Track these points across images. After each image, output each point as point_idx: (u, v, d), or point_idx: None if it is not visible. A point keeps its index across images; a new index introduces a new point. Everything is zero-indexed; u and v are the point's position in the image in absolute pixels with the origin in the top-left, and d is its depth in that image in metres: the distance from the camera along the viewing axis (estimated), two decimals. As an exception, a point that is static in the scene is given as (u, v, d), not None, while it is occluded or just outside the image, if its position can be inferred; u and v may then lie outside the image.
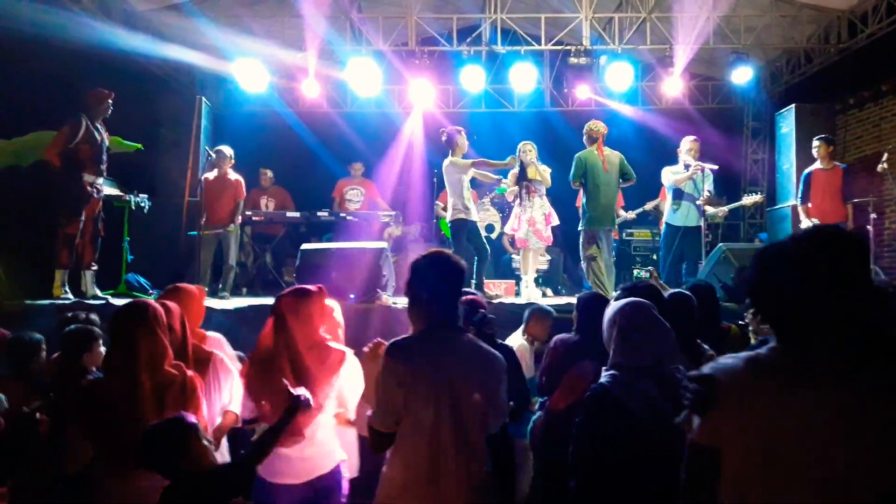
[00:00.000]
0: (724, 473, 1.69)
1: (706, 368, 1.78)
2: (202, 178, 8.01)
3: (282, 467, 3.08)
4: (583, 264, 7.51)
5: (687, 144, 7.98)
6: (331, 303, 3.49)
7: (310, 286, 3.26)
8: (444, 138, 7.55)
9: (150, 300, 2.97)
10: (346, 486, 3.22)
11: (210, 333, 3.67)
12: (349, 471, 3.30)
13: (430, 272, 2.65)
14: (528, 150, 7.72)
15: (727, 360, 1.76)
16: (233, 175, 8.10)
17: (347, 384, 3.17)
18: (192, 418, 2.54)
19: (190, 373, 2.88)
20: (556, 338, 4.00)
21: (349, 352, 3.23)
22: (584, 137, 7.57)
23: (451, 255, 2.75)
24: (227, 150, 8.09)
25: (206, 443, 2.51)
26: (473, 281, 7.11)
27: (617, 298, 3.29)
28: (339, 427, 3.25)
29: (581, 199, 9.37)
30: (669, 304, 3.40)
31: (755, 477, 1.63)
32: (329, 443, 3.17)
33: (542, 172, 7.74)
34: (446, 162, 7.46)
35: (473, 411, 2.52)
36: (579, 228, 7.54)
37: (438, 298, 2.63)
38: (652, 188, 9.28)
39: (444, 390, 2.49)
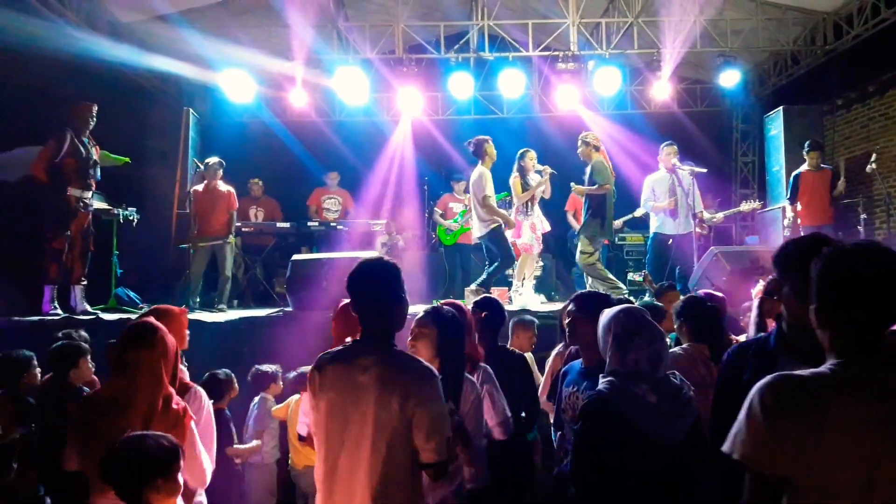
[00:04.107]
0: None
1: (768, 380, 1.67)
2: (191, 190, 7.95)
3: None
4: (586, 270, 7.46)
5: (662, 151, 8.01)
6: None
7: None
8: (471, 148, 7.49)
9: (156, 322, 2.91)
10: None
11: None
12: None
13: (353, 282, 2.56)
14: (533, 158, 7.76)
15: (795, 375, 1.65)
16: (223, 186, 8.03)
17: None
18: (175, 442, 2.43)
19: (182, 404, 2.83)
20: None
21: None
22: (587, 147, 7.50)
23: (377, 261, 2.64)
24: (217, 162, 8.01)
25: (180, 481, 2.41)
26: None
27: (570, 304, 3.39)
28: None
29: (575, 204, 9.39)
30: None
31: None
32: None
33: (546, 180, 7.80)
34: (473, 173, 7.41)
35: (375, 435, 2.36)
36: (588, 235, 7.42)
37: (361, 309, 2.56)
38: (640, 194, 9.26)
39: (341, 410, 2.42)
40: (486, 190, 7.28)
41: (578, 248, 7.53)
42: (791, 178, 8.19)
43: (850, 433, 1.53)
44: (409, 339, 3.10)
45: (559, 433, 3.46)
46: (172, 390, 2.83)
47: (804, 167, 8.10)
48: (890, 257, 1.64)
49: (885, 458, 1.51)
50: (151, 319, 2.93)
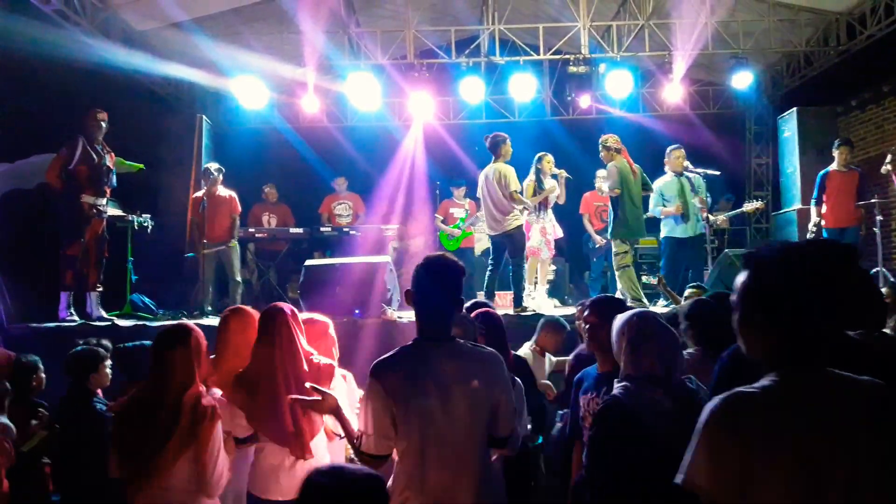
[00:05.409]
0: None
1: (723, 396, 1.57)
2: (193, 196, 7.95)
3: (271, 484, 3.03)
4: (619, 273, 7.49)
5: (671, 155, 7.97)
6: (325, 319, 3.44)
7: (281, 304, 3.20)
8: (487, 143, 7.48)
9: (190, 324, 2.96)
10: None
11: None
12: None
13: (421, 279, 2.55)
14: (551, 162, 7.79)
15: (743, 393, 1.54)
16: (224, 191, 7.99)
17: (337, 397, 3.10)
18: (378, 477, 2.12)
19: (211, 403, 2.86)
20: (579, 348, 4.00)
21: (335, 364, 3.20)
22: (608, 151, 7.51)
23: (445, 258, 2.59)
24: (215, 168, 7.98)
25: None
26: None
27: (586, 310, 3.42)
28: (331, 444, 3.19)
29: (589, 208, 9.40)
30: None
31: None
32: (320, 460, 3.07)
33: (561, 185, 7.81)
34: (495, 170, 7.35)
35: (466, 425, 2.42)
36: (611, 238, 7.49)
37: (428, 306, 2.54)
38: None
39: (428, 408, 2.40)
40: (514, 185, 7.28)
41: (613, 251, 7.54)
42: (818, 178, 8.07)
43: (790, 455, 1.46)
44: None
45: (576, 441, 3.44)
46: (203, 388, 2.89)
47: (833, 166, 7.98)
48: (812, 259, 1.57)
49: (828, 478, 1.45)
50: (185, 321, 2.97)
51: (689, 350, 3.49)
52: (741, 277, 1.65)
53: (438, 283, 2.52)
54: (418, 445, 2.42)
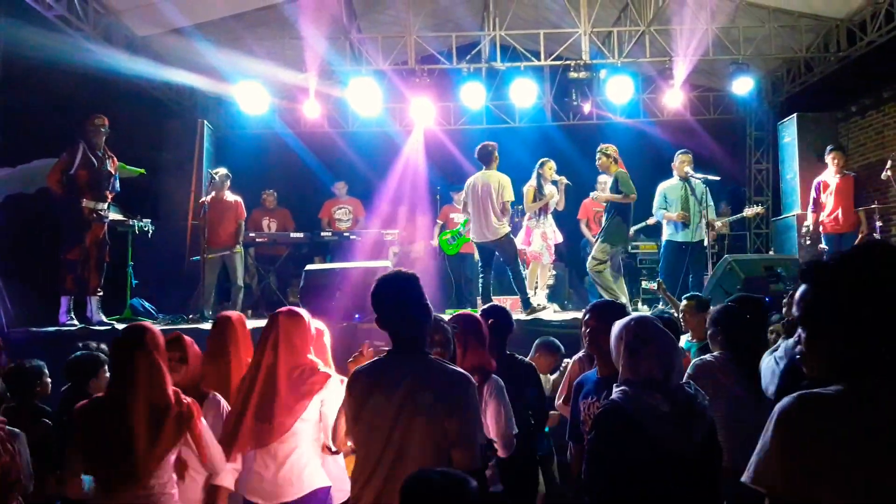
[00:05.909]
0: None
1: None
2: (197, 201, 8.00)
3: (254, 485, 3.03)
4: (593, 277, 7.53)
5: (676, 159, 7.98)
6: (320, 326, 3.43)
7: (295, 308, 3.23)
8: (478, 154, 7.55)
9: (148, 323, 2.94)
10: None
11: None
12: (339, 497, 3.20)
13: (379, 299, 2.59)
14: (552, 168, 7.85)
15: (814, 394, 1.49)
16: (231, 197, 8.07)
17: (328, 410, 3.06)
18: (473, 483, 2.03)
19: (187, 399, 2.84)
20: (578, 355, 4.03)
21: (334, 376, 3.16)
22: (607, 159, 7.56)
23: (398, 272, 2.68)
24: (223, 173, 8.04)
25: None
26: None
27: (587, 314, 3.47)
28: (325, 457, 3.17)
29: (587, 213, 9.41)
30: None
31: None
32: (302, 468, 3.04)
33: (561, 192, 7.83)
34: (490, 178, 7.40)
35: (423, 445, 2.39)
36: (604, 244, 7.47)
37: (394, 323, 2.58)
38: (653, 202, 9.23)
39: (389, 424, 2.41)
40: (509, 195, 7.31)
41: (591, 254, 7.53)
42: (814, 184, 8.09)
43: (858, 461, 1.41)
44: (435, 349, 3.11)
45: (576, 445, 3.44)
46: (177, 388, 2.86)
47: (827, 172, 8.01)
48: (876, 266, 1.50)
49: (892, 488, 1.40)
50: (144, 322, 2.95)
51: (715, 353, 3.55)
52: (802, 293, 1.59)
53: (397, 298, 2.57)
54: (362, 456, 2.48)
